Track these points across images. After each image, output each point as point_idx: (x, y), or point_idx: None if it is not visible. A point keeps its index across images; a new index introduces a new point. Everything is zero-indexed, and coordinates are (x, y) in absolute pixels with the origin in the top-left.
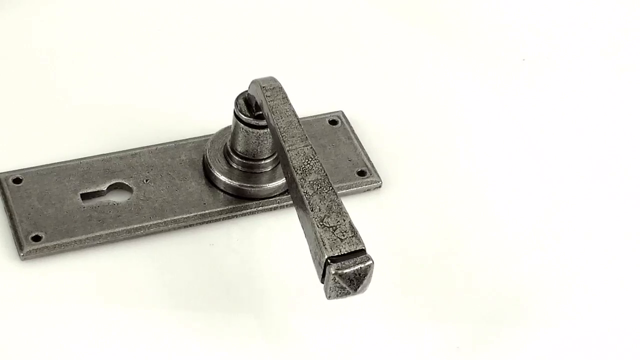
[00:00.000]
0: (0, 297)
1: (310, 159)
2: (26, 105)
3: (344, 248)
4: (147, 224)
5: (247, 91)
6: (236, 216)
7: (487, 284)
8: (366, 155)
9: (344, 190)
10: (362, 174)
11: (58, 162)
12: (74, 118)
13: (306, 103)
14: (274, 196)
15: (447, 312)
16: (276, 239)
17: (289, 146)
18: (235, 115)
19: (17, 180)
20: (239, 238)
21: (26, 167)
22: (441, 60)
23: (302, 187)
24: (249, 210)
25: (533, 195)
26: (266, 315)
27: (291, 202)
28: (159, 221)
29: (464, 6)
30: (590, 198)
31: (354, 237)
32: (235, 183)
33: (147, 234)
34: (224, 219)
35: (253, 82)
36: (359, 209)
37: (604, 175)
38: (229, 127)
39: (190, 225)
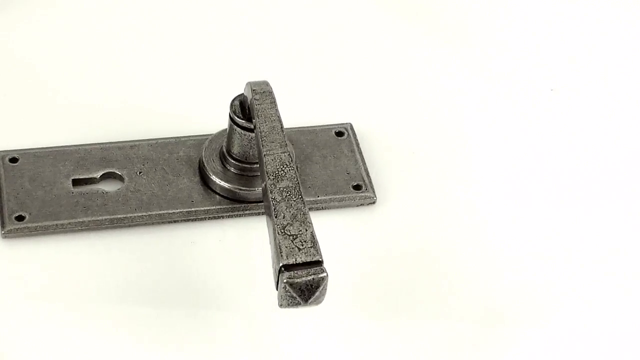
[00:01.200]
0: None
1: (285, 166)
2: (34, 89)
3: (300, 258)
4: (131, 215)
5: (243, 93)
6: (222, 217)
7: (478, 303)
8: (366, 170)
9: (336, 203)
10: (357, 188)
11: (56, 146)
12: (80, 106)
13: (317, 112)
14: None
15: (437, 328)
16: (258, 243)
17: (266, 151)
18: (230, 117)
19: (13, 160)
20: (221, 239)
21: (25, 147)
22: (466, 87)
23: (272, 192)
24: (236, 213)
25: (533, 222)
26: (232, 316)
27: None
28: (144, 214)
29: (492, 33)
30: (603, 233)
31: (312, 248)
32: (226, 184)
33: (130, 225)
34: (210, 218)
35: (247, 84)
36: (347, 222)
37: (628, 208)
38: None
39: (175, 221)
